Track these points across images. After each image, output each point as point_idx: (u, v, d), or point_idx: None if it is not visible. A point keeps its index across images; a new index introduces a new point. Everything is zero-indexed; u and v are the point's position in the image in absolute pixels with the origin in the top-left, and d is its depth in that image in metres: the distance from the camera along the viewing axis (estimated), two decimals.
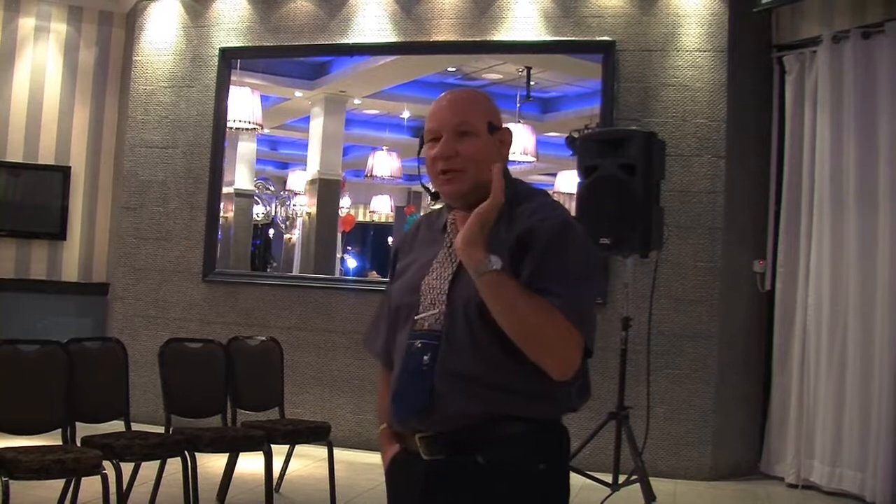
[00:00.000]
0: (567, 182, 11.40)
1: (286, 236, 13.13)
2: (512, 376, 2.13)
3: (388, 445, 2.33)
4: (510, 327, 2.07)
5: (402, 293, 2.31)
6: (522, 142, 9.84)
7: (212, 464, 5.94)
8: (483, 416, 2.13)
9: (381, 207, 16.09)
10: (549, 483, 2.19)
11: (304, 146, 11.85)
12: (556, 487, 2.23)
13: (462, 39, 7.75)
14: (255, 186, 11.33)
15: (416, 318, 2.22)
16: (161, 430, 5.40)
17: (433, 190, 2.31)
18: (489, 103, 2.31)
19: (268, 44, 8.20)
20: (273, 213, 12.44)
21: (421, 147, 2.32)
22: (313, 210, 11.05)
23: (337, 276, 11.44)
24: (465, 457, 2.15)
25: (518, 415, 2.14)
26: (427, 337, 2.19)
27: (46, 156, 8.71)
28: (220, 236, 8.40)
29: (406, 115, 12.19)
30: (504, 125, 2.32)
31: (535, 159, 10.11)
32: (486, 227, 2.11)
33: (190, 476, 5.09)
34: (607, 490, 5.63)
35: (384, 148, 12.46)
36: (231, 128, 8.68)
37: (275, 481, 5.76)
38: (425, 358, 2.17)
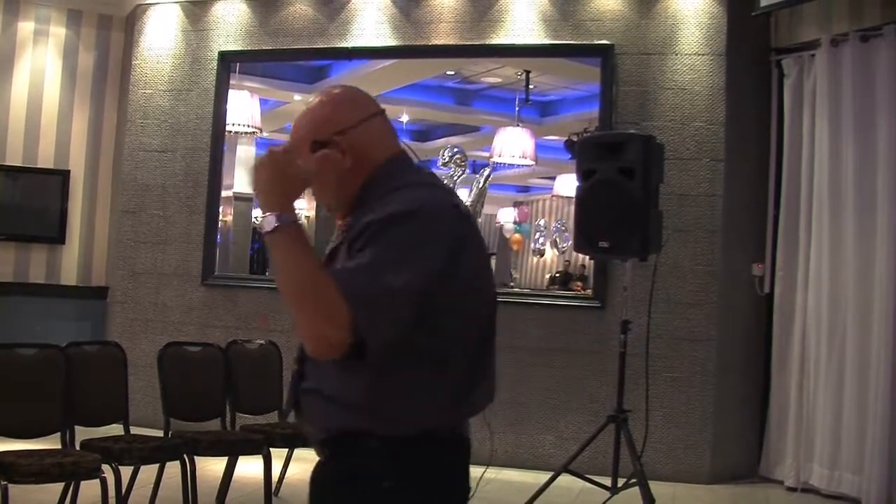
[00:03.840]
0: (566, 185, 11.38)
1: None
2: (351, 390, 2.06)
3: None
4: (279, 286, 1.99)
5: None
6: (521, 145, 9.83)
7: (211, 467, 5.94)
8: (334, 428, 2.11)
9: None
10: (393, 502, 2.09)
11: None
12: None
13: (461, 43, 7.76)
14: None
15: None
16: (160, 433, 5.40)
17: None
18: (315, 118, 2.18)
19: (267, 47, 8.21)
20: None
21: None
22: (312, 214, 11.03)
23: None
24: (328, 464, 2.16)
25: (363, 429, 2.07)
26: (300, 349, 2.20)
27: (46, 159, 8.72)
28: (219, 240, 8.40)
29: (405, 118, 12.16)
30: (338, 132, 2.14)
31: (533, 163, 10.10)
32: (282, 178, 2.02)
33: (189, 479, 5.10)
34: (606, 493, 5.63)
35: None
36: (230, 131, 8.68)
37: (274, 485, 5.76)
38: (295, 366, 2.21)
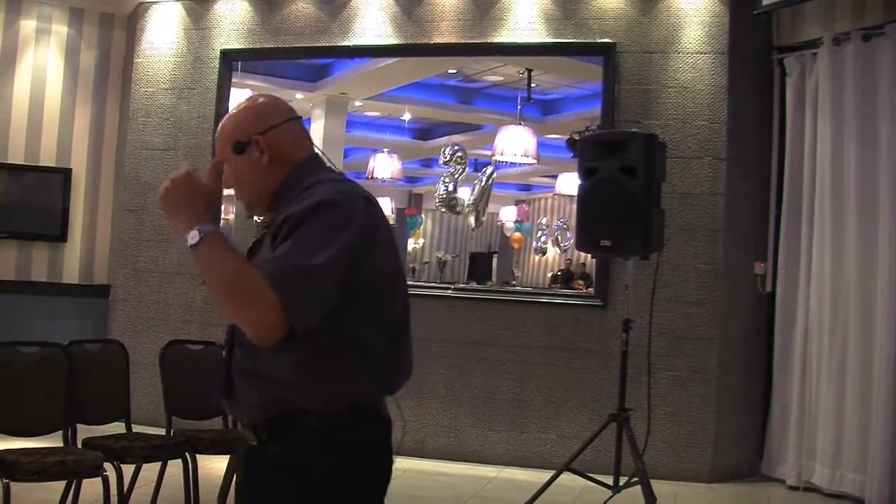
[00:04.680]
0: (568, 184, 11.39)
1: None
2: (284, 369, 2.18)
3: None
4: (210, 289, 2.14)
5: None
6: (523, 144, 9.83)
7: (213, 465, 5.94)
8: (272, 408, 2.21)
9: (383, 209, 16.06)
10: (335, 480, 2.21)
11: None
12: (345, 484, 2.23)
13: (463, 41, 7.76)
14: None
15: None
16: (162, 431, 5.40)
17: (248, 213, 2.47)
18: (236, 123, 2.35)
19: (269, 46, 8.21)
20: None
21: None
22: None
23: None
24: (266, 447, 2.24)
25: (302, 408, 2.18)
26: (230, 332, 2.31)
27: (47, 158, 8.72)
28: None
29: (407, 117, 12.17)
30: (258, 132, 2.31)
31: (535, 161, 10.09)
32: (191, 196, 2.23)
33: (191, 478, 5.10)
34: (608, 492, 5.62)
35: (385, 150, 12.44)
36: None
37: None
38: (223, 352, 2.34)
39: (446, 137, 12.02)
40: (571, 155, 6.15)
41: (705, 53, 7.18)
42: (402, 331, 2.32)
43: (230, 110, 2.43)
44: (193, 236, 2.15)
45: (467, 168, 10.08)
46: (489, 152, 10.32)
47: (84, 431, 5.00)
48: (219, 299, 2.11)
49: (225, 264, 2.11)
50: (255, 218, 2.58)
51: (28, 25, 8.70)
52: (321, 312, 2.11)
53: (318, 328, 2.11)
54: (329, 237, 2.12)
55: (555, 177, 12.64)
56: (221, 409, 5.78)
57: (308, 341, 2.11)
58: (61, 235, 8.74)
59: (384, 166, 12.31)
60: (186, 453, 5.13)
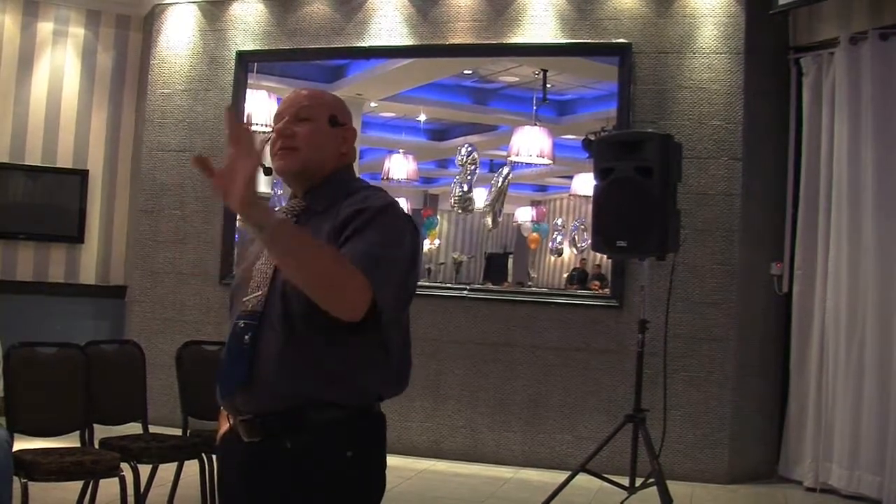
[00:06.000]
0: (584, 185, 11.38)
1: None
2: (320, 359, 2.23)
3: (222, 423, 2.49)
4: (295, 273, 2.13)
5: (239, 276, 2.47)
6: (539, 144, 9.83)
7: None
8: (295, 398, 2.24)
9: None
10: (356, 470, 2.30)
11: None
12: (365, 474, 2.33)
13: (478, 42, 7.76)
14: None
15: (244, 299, 2.35)
16: (178, 432, 5.41)
17: (268, 166, 2.49)
18: (337, 102, 2.54)
19: (284, 47, 8.22)
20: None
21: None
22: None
23: None
24: (277, 441, 2.27)
25: (328, 400, 2.25)
26: (250, 318, 2.31)
27: (64, 159, 8.76)
28: (237, 239, 8.42)
29: (422, 118, 12.18)
30: (351, 125, 2.52)
31: (551, 162, 10.09)
32: (252, 182, 2.27)
33: (207, 478, 5.11)
34: (624, 493, 5.61)
35: (400, 151, 12.45)
36: None
37: None
38: (246, 337, 2.29)
39: (462, 138, 12.03)
40: (587, 155, 6.11)
41: (721, 53, 7.16)
42: (409, 340, 2.45)
43: (319, 89, 2.61)
44: (267, 219, 2.13)
45: (479, 168, 10.08)
46: (505, 153, 10.32)
47: (101, 432, 5.02)
48: (308, 279, 2.10)
49: (308, 247, 2.13)
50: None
51: (45, 27, 8.74)
52: (402, 301, 2.28)
53: (395, 317, 2.26)
54: (399, 239, 2.28)
55: (570, 177, 12.63)
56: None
57: (356, 337, 2.20)
58: (78, 237, 8.77)
59: (400, 167, 12.32)
60: (203, 454, 5.14)
